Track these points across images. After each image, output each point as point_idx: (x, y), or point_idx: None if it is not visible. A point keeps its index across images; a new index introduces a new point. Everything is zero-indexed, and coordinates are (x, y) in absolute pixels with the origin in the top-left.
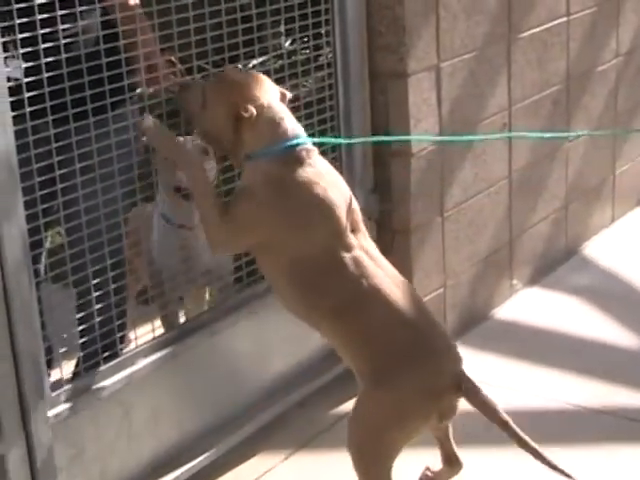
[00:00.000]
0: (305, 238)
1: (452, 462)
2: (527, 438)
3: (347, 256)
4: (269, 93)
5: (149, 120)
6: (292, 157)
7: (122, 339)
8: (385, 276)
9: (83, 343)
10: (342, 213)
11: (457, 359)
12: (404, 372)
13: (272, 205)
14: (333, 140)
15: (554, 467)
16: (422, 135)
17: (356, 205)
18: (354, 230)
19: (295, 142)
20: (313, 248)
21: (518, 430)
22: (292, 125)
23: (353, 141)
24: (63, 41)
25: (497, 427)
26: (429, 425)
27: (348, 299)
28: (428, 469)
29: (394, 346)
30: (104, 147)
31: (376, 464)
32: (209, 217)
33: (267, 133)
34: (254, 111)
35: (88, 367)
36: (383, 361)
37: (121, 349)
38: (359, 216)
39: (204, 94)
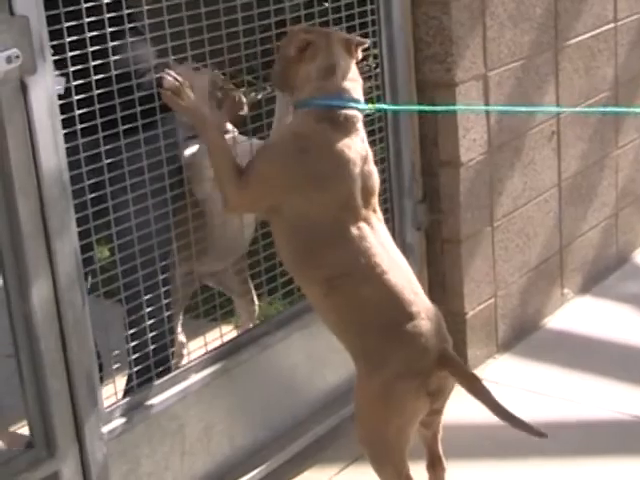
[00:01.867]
0: (317, 204)
1: (436, 465)
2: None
3: (352, 230)
4: (335, 39)
5: (170, 81)
6: (330, 117)
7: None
8: (384, 254)
9: (135, 359)
10: (358, 189)
11: (443, 338)
12: (389, 353)
13: (292, 163)
14: (379, 106)
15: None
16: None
17: (376, 183)
18: (368, 208)
19: (336, 103)
20: (321, 215)
21: (501, 404)
22: (341, 82)
23: (398, 108)
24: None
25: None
26: (423, 407)
27: (343, 272)
28: None
29: (382, 326)
30: (151, 163)
31: (388, 455)
32: (225, 175)
33: (315, 81)
34: (312, 37)
35: (139, 384)
36: (371, 341)
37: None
38: (376, 197)
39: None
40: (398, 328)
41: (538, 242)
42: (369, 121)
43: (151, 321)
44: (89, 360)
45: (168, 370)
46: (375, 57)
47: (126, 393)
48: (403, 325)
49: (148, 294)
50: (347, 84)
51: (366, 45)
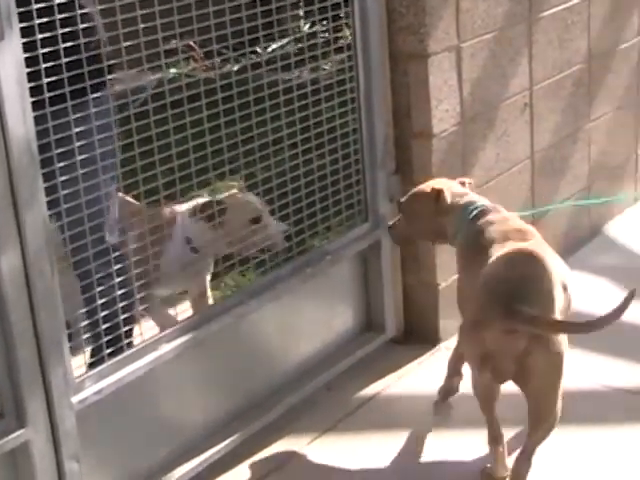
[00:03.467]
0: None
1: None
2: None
3: None
4: (446, 185)
5: None
6: (472, 226)
7: (129, 333)
8: None
9: (94, 335)
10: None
11: (511, 296)
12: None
13: (463, 270)
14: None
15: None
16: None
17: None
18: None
19: (473, 214)
20: None
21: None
22: (472, 199)
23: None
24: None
25: None
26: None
27: None
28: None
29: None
30: (85, 132)
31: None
32: None
33: (455, 214)
34: (446, 192)
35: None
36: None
37: (129, 343)
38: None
39: (404, 215)
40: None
41: None
42: (341, 92)
43: (101, 288)
44: (58, 330)
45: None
46: (348, 27)
47: (90, 365)
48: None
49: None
50: (474, 200)
51: (470, 181)
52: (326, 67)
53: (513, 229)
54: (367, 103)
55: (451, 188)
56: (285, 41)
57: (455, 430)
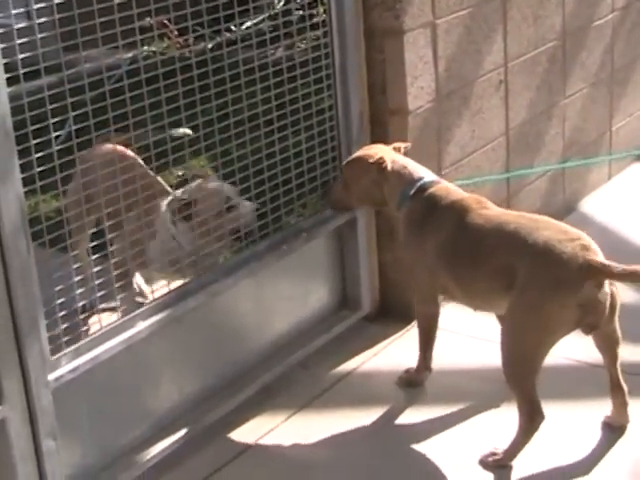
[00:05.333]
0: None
1: (615, 390)
2: None
3: None
4: (387, 152)
5: None
6: (419, 197)
7: None
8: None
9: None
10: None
11: (587, 249)
12: (534, 270)
13: (414, 240)
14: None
15: None
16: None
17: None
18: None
19: (419, 185)
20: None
21: None
22: (414, 170)
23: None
24: None
25: None
26: (570, 318)
27: None
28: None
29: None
30: None
31: (522, 365)
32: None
33: (399, 182)
34: (388, 162)
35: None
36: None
37: None
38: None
39: (343, 179)
40: (537, 247)
41: (486, 190)
42: (316, 69)
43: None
44: (35, 308)
45: None
46: (322, 3)
47: None
48: (540, 244)
49: None
50: (418, 170)
51: (409, 145)
52: (301, 44)
53: (469, 198)
54: (342, 80)
55: (392, 156)
56: (260, 18)
57: (430, 406)
